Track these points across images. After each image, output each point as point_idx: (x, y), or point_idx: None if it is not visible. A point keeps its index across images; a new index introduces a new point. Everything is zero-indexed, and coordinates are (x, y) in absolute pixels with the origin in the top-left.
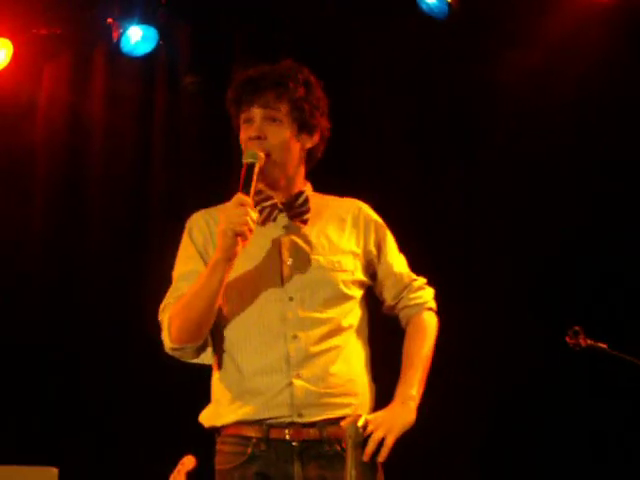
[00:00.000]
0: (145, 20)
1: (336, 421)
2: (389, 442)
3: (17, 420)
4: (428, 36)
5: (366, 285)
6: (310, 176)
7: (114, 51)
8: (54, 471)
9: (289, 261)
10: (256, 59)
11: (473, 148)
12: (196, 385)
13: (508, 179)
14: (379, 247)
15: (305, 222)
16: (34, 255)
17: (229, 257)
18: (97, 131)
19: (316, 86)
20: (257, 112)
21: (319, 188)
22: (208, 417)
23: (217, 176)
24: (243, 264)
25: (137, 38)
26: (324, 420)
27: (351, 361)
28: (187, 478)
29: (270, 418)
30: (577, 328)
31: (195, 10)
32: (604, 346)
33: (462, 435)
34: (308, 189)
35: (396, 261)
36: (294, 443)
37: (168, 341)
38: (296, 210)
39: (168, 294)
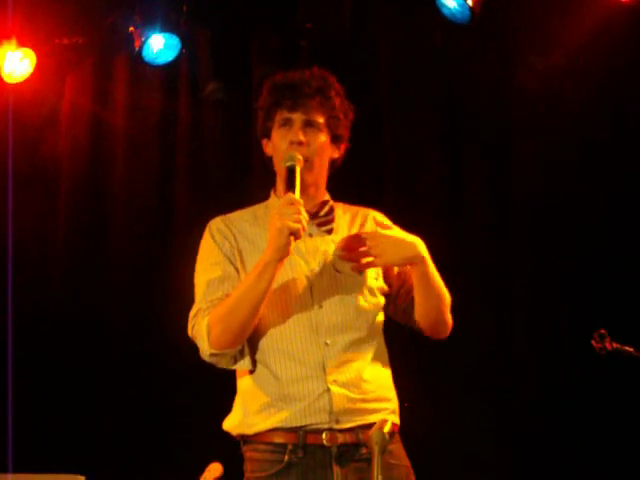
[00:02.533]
0: (167, 28)
1: (371, 426)
2: (374, 264)
3: (45, 428)
4: (450, 40)
5: (385, 292)
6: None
7: (136, 60)
8: (81, 479)
9: (317, 269)
10: (275, 64)
11: (495, 151)
12: (217, 392)
13: (533, 181)
14: None
15: (330, 231)
16: (58, 265)
17: (281, 257)
18: (120, 140)
19: (345, 97)
20: (298, 117)
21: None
22: (236, 425)
23: (240, 184)
24: None
25: (159, 46)
26: (360, 426)
27: (380, 366)
28: None
29: (308, 425)
30: (603, 331)
31: (217, 17)
32: (630, 349)
33: (493, 439)
34: (329, 198)
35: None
36: (332, 448)
37: (207, 347)
38: (321, 219)
39: (198, 299)
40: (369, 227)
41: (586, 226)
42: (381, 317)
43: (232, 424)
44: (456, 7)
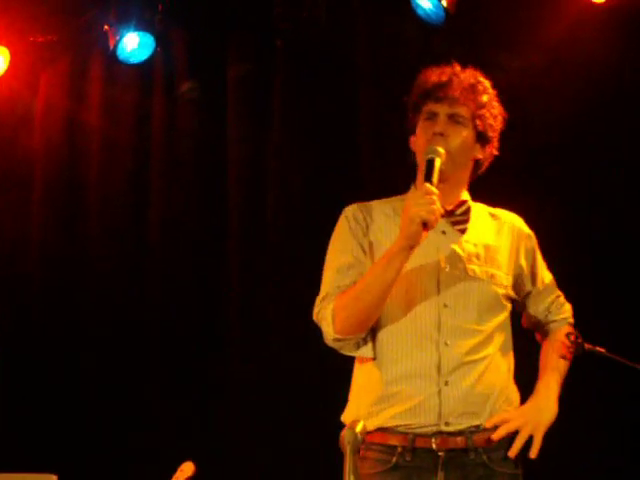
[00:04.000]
0: (142, 27)
1: (483, 429)
2: (538, 438)
3: (18, 427)
4: (424, 41)
5: (514, 300)
6: None
7: (111, 58)
8: (53, 478)
9: (447, 267)
10: (250, 64)
11: None
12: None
13: (507, 179)
14: (531, 262)
15: (464, 231)
16: (32, 263)
17: (412, 245)
18: (94, 139)
19: (496, 100)
20: (443, 110)
21: None
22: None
23: (214, 182)
24: None
25: (134, 45)
26: (471, 428)
27: (501, 371)
28: None
29: (415, 424)
30: (574, 331)
31: (192, 16)
32: (602, 350)
33: None
34: (469, 199)
35: (547, 276)
36: (440, 453)
37: (331, 331)
38: (457, 217)
39: (325, 284)
40: (511, 238)
41: (567, 226)
42: (507, 324)
43: (350, 417)
44: (431, 8)
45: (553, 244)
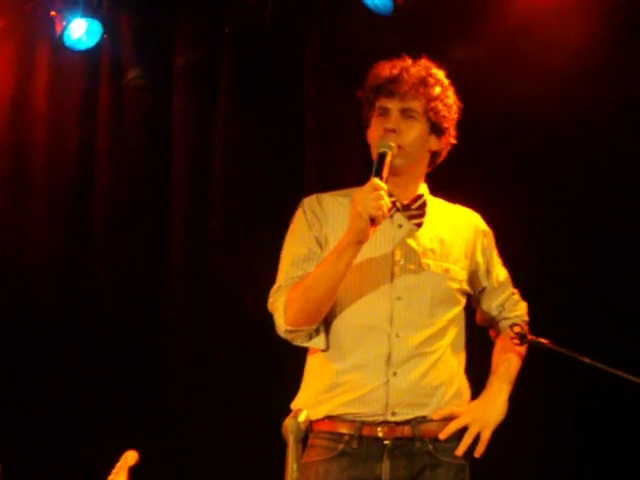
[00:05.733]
0: (89, 13)
1: (430, 420)
2: (485, 437)
3: None
4: (374, 32)
5: (468, 295)
6: None
7: (58, 44)
8: None
9: (401, 261)
10: (198, 51)
11: None
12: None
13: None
14: (487, 258)
15: (420, 225)
16: None
17: (360, 240)
18: (41, 125)
19: (450, 90)
20: (395, 105)
21: None
22: (302, 406)
23: (160, 169)
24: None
25: (81, 32)
26: (417, 418)
27: (451, 365)
28: (129, 473)
29: (363, 413)
30: (520, 322)
31: (140, 3)
32: (546, 342)
33: None
34: (426, 192)
35: (502, 273)
36: (386, 441)
37: (283, 323)
38: (413, 212)
39: (280, 275)
40: (467, 233)
41: (523, 222)
42: (460, 319)
43: (299, 405)
44: None
45: (510, 242)
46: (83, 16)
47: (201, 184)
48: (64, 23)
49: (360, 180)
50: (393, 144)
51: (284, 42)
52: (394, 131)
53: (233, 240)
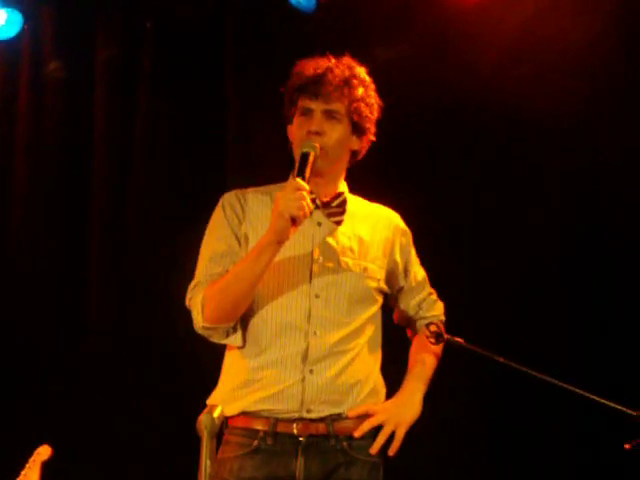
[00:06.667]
0: (9, 3)
1: (345, 417)
2: (400, 435)
3: None
4: (297, 30)
5: (385, 294)
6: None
7: None
8: None
9: (320, 259)
10: (119, 45)
11: None
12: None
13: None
14: (405, 257)
15: (339, 223)
16: None
17: (280, 240)
18: None
19: (372, 89)
20: (318, 106)
21: None
22: (218, 402)
23: (79, 164)
24: None
25: (0, 22)
26: (332, 415)
27: (368, 363)
28: (42, 468)
29: (278, 410)
30: (436, 322)
31: None
32: (460, 340)
33: None
34: (346, 190)
35: (420, 272)
36: (301, 438)
37: (201, 320)
38: (333, 209)
39: (198, 272)
40: (386, 232)
41: (441, 223)
42: (377, 317)
43: (215, 401)
44: None
45: (428, 242)
46: (3, 6)
47: (121, 178)
48: None
49: (282, 176)
50: (317, 145)
51: (205, 37)
52: (318, 134)
53: (151, 234)
